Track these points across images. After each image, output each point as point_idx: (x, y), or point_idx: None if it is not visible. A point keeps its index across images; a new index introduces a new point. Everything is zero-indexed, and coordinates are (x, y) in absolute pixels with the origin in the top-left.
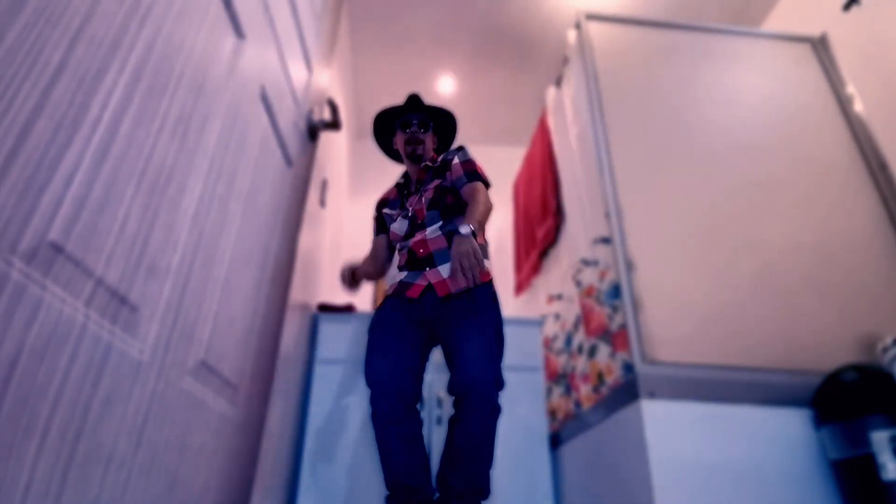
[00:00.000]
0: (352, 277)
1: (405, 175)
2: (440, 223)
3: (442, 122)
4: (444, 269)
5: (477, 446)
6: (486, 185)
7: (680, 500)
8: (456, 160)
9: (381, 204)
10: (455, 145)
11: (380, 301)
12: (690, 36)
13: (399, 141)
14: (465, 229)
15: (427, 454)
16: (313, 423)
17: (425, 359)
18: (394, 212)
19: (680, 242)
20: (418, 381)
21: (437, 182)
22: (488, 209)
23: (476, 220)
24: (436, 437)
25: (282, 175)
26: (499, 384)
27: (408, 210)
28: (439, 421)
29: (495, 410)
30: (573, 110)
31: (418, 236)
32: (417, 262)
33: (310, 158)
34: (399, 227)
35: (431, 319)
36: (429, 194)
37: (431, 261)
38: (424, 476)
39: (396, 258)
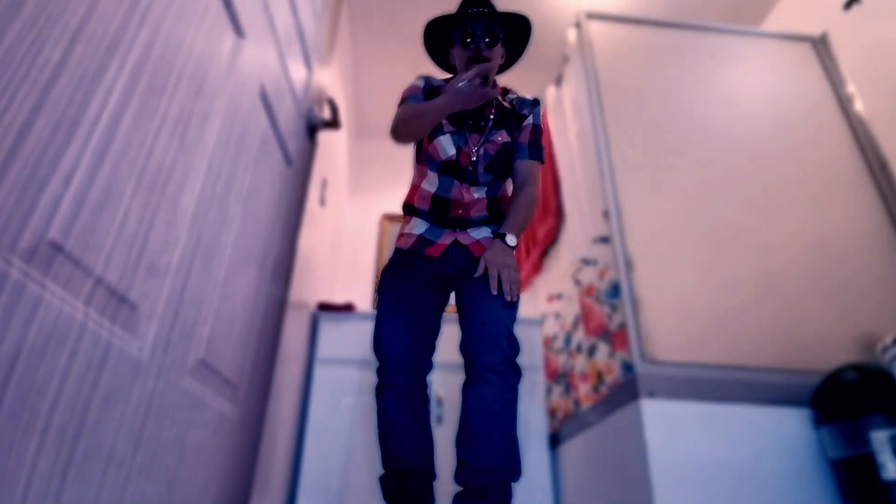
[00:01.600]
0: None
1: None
2: (487, 188)
3: (511, 30)
4: (475, 232)
5: (493, 413)
6: (542, 162)
7: (679, 499)
8: (530, 121)
9: (433, 93)
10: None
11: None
12: (690, 35)
13: (458, 56)
14: (511, 240)
15: (431, 434)
16: (313, 421)
17: (440, 323)
18: (444, 121)
19: (679, 242)
20: (432, 351)
21: (504, 139)
22: (532, 211)
23: (521, 226)
24: (436, 438)
25: (281, 174)
26: (515, 343)
27: (465, 140)
28: (439, 420)
29: (515, 371)
30: (573, 109)
31: (464, 192)
32: (446, 221)
33: (309, 157)
34: (448, 146)
35: (453, 273)
36: (491, 148)
37: (466, 224)
38: (428, 458)
39: (417, 195)
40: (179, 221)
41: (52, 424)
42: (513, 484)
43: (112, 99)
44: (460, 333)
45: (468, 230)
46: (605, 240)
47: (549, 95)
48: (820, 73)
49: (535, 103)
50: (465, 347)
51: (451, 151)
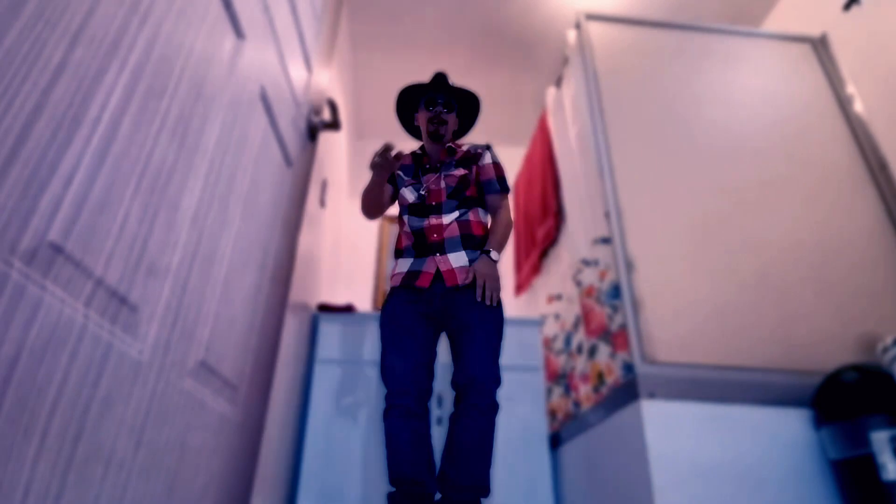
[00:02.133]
0: (384, 154)
1: (423, 149)
2: (457, 211)
3: (465, 104)
4: (453, 258)
5: (476, 441)
6: (507, 191)
7: (679, 500)
8: (488, 160)
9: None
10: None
11: (381, 299)
12: (690, 36)
13: (421, 118)
14: (495, 255)
15: (432, 451)
16: (313, 422)
17: (435, 351)
18: (407, 178)
19: (680, 242)
20: (431, 377)
21: (462, 172)
22: (509, 228)
23: (500, 243)
24: (435, 436)
25: (281, 175)
26: (497, 381)
27: (422, 185)
28: (439, 421)
29: (494, 406)
30: (573, 110)
31: (433, 220)
32: (426, 248)
33: (309, 158)
34: (409, 194)
35: (439, 310)
36: (451, 181)
37: (442, 247)
38: (429, 472)
39: (402, 239)
40: (180, 223)
41: (52, 426)
42: (483, 500)
43: (112, 100)
44: (452, 368)
45: (447, 254)
46: (605, 240)
47: (550, 97)
48: (819, 74)
49: (487, 147)
50: (456, 385)
51: (413, 196)
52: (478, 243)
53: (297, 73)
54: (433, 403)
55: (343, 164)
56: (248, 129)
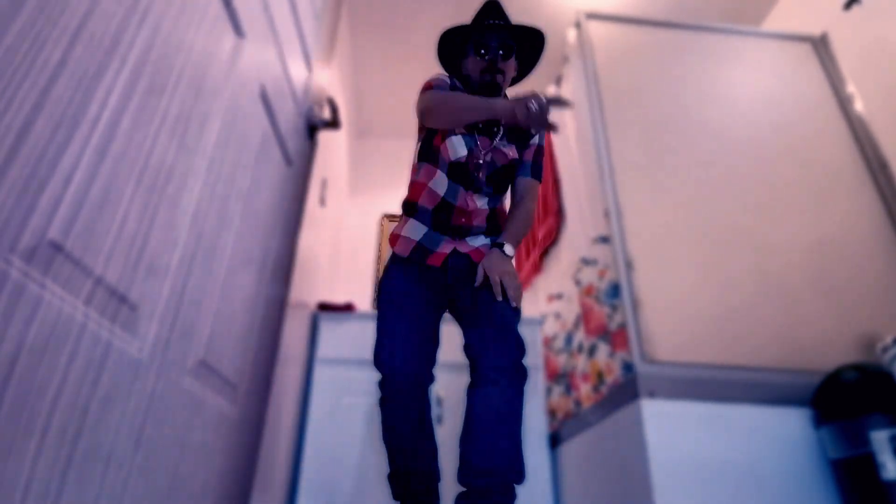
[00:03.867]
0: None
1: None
2: (488, 199)
3: (525, 42)
4: (471, 240)
5: (501, 412)
6: (541, 180)
7: (679, 499)
8: (536, 141)
9: (456, 90)
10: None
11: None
12: (690, 35)
13: (472, 66)
14: (509, 249)
15: (434, 437)
16: (313, 421)
17: (439, 333)
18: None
19: (679, 242)
20: (433, 362)
21: (513, 154)
22: (530, 225)
23: (518, 238)
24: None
25: (281, 174)
26: (521, 343)
27: (472, 145)
28: (439, 420)
29: (521, 372)
30: (573, 109)
31: (468, 202)
32: (447, 227)
33: (310, 157)
34: (459, 148)
35: (451, 284)
36: (500, 158)
37: (465, 232)
38: (431, 460)
39: (421, 193)
40: (179, 221)
41: (51, 424)
42: (515, 486)
43: (112, 99)
44: (464, 337)
45: (466, 238)
46: (605, 240)
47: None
48: (820, 73)
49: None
50: (471, 350)
51: (463, 152)
52: (500, 229)
53: (297, 71)
54: (434, 404)
55: (343, 163)
56: (247, 128)
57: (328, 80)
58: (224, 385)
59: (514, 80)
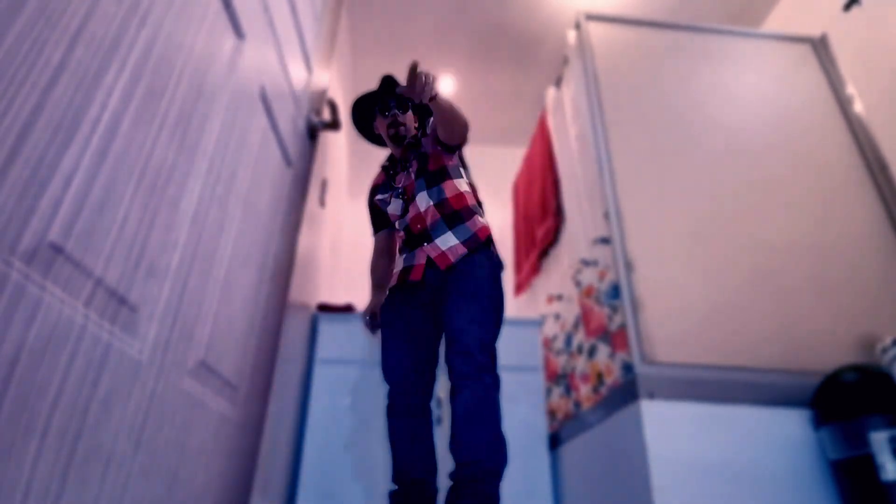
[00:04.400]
0: (373, 320)
1: (390, 157)
2: (426, 191)
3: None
4: (440, 242)
5: (471, 410)
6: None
7: (679, 500)
8: (432, 123)
9: (373, 192)
10: None
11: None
12: (690, 36)
13: (380, 125)
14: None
15: (434, 449)
16: (313, 422)
17: (437, 350)
18: (385, 195)
19: (679, 243)
20: (431, 376)
21: (421, 151)
22: (456, 109)
23: (448, 105)
24: (436, 438)
25: (281, 175)
26: (487, 350)
27: (398, 189)
28: (439, 421)
29: (488, 375)
30: (573, 110)
31: (412, 212)
32: (415, 239)
33: (309, 158)
34: (394, 208)
35: (432, 299)
36: (413, 166)
37: (428, 236)
38: (429, 471)
39: (398, 242)
40: (179, 223)
41: (52, 426)
42: (501, 473)
43: (112, 100)
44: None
45: (434, 241)
46: (605, 241)
47: (549, 97)
48: (819, 75)
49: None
50: (445, 358)
51: (398, 205)
52: (463, 217)
53: (297, 72)
54: (433, 403)
55: (343, 164)
56: (247, 129)
57: (328, 81)
58: (224, 386)
59: (424, 125)
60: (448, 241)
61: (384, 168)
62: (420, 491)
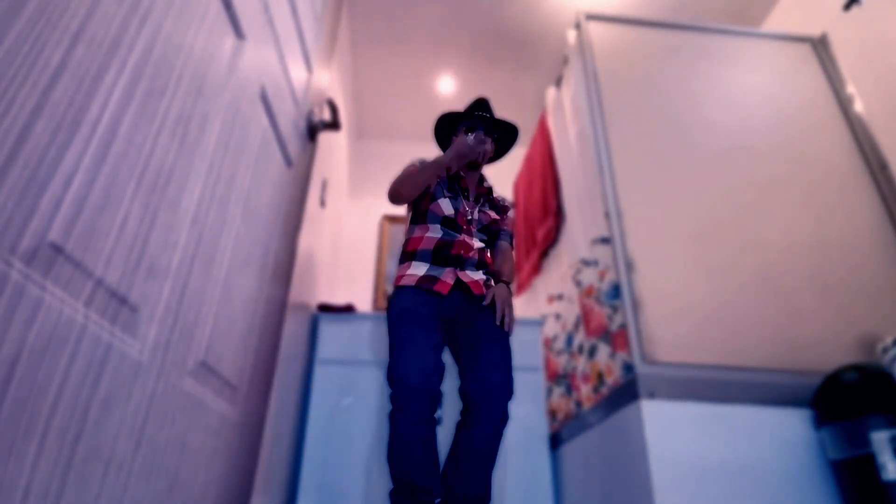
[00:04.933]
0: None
1: (459, 170)
2: (481, 241)
3: (504, 133)
4: (472, 273)
5: (487, 454)
6: (513, 246)
7: (680, 500)
8: (512, 216)
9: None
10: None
11: (381, 299)
12: (690, 36)
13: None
14: (513, 288)
15: (438, 457)
16: (313, 423)
17: (442, 359)
18: (445, 191)
19: (680, 242)
20: (442, 378)
21: (494, 216)
22: (514, 274)
23: (512, 279)
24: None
25: (282, 175)
26: (512, 395)
27: (458, 205)
28: (440, 421)
29: (506, 420)
30: (573, 110)
31: (465, 238)
32: (448, 259)
33: (310, 159)
34: (447, 206)
35: (455, 319)
36: (485, 219)
37: (463, 264)
38: (435, 479)
39: (419, 242)
40: (179, 223)
41: (52, 426)
42: None
43: (112, 101)
44: (460, 379)
45: (466, 270)
46: (605, 241)
47: (549, 97)
48: (820, 74)
49: (513, 204)
50: (466, 394)
51: (451, 211)
52: (487, 272)
53: (298, 73)
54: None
55: (343, 165)
56: (248, 130)
57: (328, 81)
58: (224, 386)
59: (489, 161)
60: (478, 275)
61: (449, 174)
62: (429, 497)
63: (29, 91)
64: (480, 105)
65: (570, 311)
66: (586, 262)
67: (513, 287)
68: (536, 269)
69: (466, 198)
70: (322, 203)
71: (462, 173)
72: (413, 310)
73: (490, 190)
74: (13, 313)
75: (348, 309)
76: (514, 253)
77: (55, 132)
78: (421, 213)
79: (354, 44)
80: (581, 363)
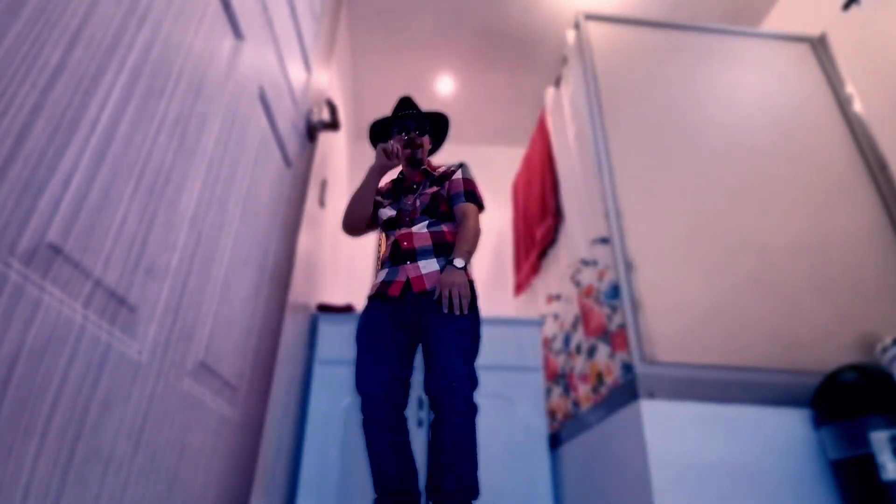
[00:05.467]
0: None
1: (402, 173)
2: (427, 224)
3: (435, 124)
4: (423, 265)
5: (459, 446)
6: (481, 207)
7: (679, 500)
8: (458, 175)
9: (377, 193)
10: (449, 147)
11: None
12: (689, 36)
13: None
14: (458, 262)
15: (413, 458)
16: (312, 423)
17: (412, 362)
18: (385, 201)
19: (679, 242)
20: (407, 388)
21: (434, 189)
22: (477, 236)
23: (466, 251)
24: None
25: (281, 175)
26: (473, 382)
27: (400, 204)
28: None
29: (472, 408)
30: (572, 110)
31: (404, 229)
32: (400, 256)
33: (309, 159)
34: (387, 211)
35: (414, 318)
36: (425, 199)
37: (413, 255)
38: (412, 480)
39: (383, 249)
40: (178, 223)
41: (51, 426)
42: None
43: (111, 101)
44: (424, 376)
45: (418, 262)
46: (604, 241)
47: (549, 97)
48: (819, 74)
49: (461, 165)
50: (429, 391)
51: (391, 213)
52: (450, 250)
53: (296, 73)
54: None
55: (342, 165)
56: (247, 130)
57: (327, 81)
58: (223, 386)
59: (431, 152)
60: (430, 266)
61: (394, 181)
62: (407, 499)
63: (28, 91)
64: (404, 104)
65: (569, 311)
66: (585, 262)
67: (458, 263)
68: (535, 269)
69: (408, 190)
70: (321, 203)
71: (403, 174)
72: (371, 322)
73: (428, 172)
74: (12, 314)
75: (348, 309)
76: (471, 215)
77: (54, 132)
78: (378, 222)
79: (353, 44)
80: (579, 363)
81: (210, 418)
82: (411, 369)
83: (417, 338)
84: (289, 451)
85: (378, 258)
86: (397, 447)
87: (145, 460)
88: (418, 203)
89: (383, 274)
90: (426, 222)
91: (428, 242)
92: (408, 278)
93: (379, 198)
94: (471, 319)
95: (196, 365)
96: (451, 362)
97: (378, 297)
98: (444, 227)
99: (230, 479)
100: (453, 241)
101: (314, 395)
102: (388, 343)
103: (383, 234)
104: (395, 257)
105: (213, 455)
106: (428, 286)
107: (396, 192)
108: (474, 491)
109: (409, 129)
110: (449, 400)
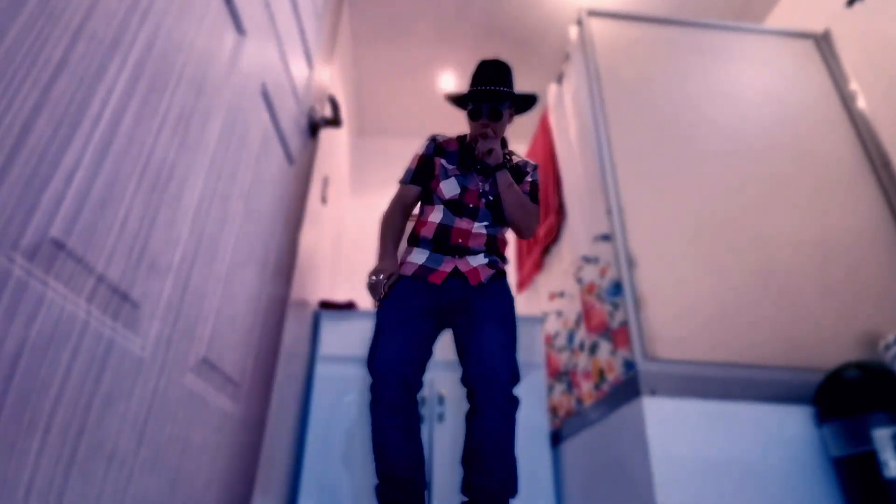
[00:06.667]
0: (388, 280)
1: (469, 138)
2: (487, 223)
3: (521, 100)
4: (473, 259)
5: (499, 443)
6: (537, 204)
7: (681, 496)
8: (530, 178)
9: (439, 149)
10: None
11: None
12: (693, 32)
13: (470, 125)
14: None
15: (422, 446)
16: (314, 419)
17: (431, 347)
18: (451, 167)
19: (681, 239)
20: (423, 372)
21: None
22: (536, 217)
23: (519, 195)
24: (437, 435)
25: (283, 172)
26: (516, 376)
27: (467, 181)
28: (441, 418)
29: (514, 403)
30: (574, 107)
31: (464, 224)
32: (447, 248)
33: (311, 155)
34: (450, 188)
35: (450, 305)
36: (495, 190)
37: (463, 252)
38: (419, 469)
39: (422, 227)
40: (181, 219)
41: (54, 422)
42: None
43: (113, 97)
44: (462, 367)
45: (467, 257)
46: (606, 237)
47: (551, 93)
48: (822, 70)
49: (535, 167)
50: (467, 382)
51: (455, 192)
52: (500, 253)
53: (299, 69)
54: (434, 401)
55: (345, 161)
56: (249, 126)
57: (329, 77)
58: (226, 383)
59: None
60: (480, 260)
61: (461, 140)
62: (413, 488)
63: (30, 88)
64: (484, 74)
65: (572, 309)
66: (587, 259)
67: (531, 227)
68: (538, 265)
69: (481, 171)
70: (323, 200)
71: (475, 144)
72: (402, 300)
73: (507, 157)
74: (16, 309)
75: (350, 306)
76: (536, 208)
77: (56, 129)
78: (428, 193)
79: (355, 40)
80: (582, 360)
81: (212, 414)
82: (430, 353)
83: (444, 326)
84: (291, 448)
85: (415, 231)
86: (406, 431)
87: (148, 456)
88: (487, 188)
89: (422, 257)
90: (487, 222)
91: (482, 245)
92: (456, 269)
93: (443, 161)
94: (513, 310)
95: (198, 361)
96: (497, 352)
97: (414, 278)
98: (499, 235)
99: (232, 475)
100: (502, 250)
101: (316, 391)
102: (414, 323)
103: (433, 207)
104: (439, 245)
105: (216, 451)
106: (483, 278)
107: (464, 160)
108: (511, 489)
109: (481, 112)
110: (490, 392)
